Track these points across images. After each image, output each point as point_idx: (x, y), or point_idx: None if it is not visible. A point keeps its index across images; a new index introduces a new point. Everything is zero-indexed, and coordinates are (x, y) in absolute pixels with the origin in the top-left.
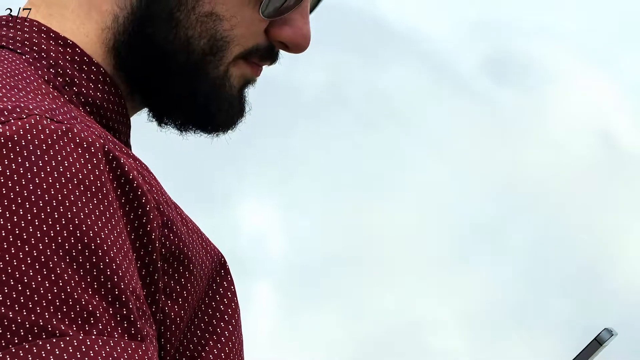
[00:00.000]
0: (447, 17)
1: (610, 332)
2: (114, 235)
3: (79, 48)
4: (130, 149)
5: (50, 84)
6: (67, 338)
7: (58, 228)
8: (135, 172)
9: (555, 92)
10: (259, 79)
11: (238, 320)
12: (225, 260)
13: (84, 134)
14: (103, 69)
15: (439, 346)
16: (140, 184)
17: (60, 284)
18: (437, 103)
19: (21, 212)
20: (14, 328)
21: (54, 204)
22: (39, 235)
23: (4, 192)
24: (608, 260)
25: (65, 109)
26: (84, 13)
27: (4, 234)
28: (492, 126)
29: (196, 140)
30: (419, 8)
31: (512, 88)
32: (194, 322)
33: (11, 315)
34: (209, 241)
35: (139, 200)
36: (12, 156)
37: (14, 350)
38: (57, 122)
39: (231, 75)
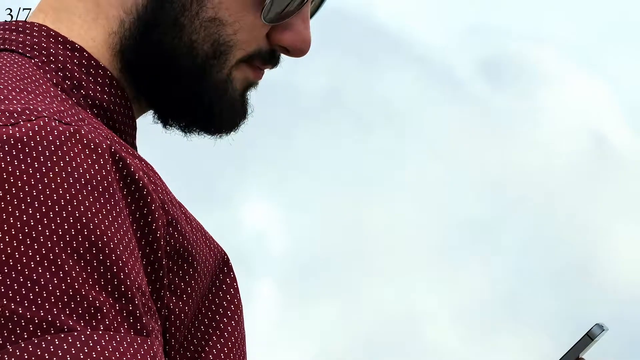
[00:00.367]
0: (442, 23)
1: (601, 328)
2: (120, 234)
3: (87, 52)
4: (136, 150)
5: (58, 87)
6: (75, 333)
7: (66, 226)
8: (141, 172)
9: (547, 95)
10: (261, 82)
11: (241, 316)
12: (228, 258)
13: (91, 135)
14: (110, 72)
15: (434, 339)
16: (146, 184)
17: (68, 281)
18: (433, 105)
19: (30, 211)
20: (23, 323)
21: (62, 203)
22: (47, 233)
23: (14, 191)
24: (599, 257)
25: (73, 111)
26: (91, 18)
27: (13, 232)
28: (486, 128)
29: (200, 141)
30: (415, 14)
31: (506, 91)
32: (198, 318)
33: (21, 311)
34: (213, 239)
35: (145, 199)
36: (21, 156)
37: (23, 345)
38: (65, 123)
39: (234, 78)
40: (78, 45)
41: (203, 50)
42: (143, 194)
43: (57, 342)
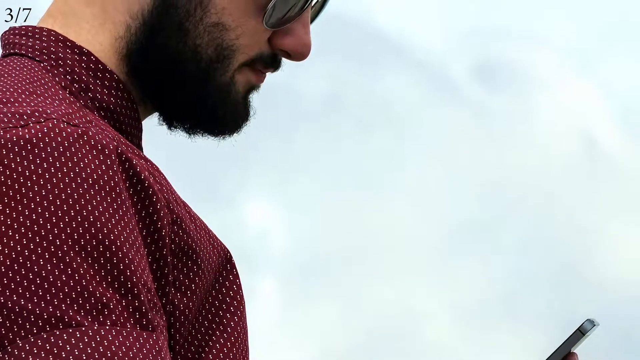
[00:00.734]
0: (441, 28)
1: (592, 323)
2: (126, 232)
3: (94, 56)
4: (142, 151)
5: (67, 90)
6: (83, 328)
7: (74, 225)
8: (146, 173)
9: (542, 97)
10: (263, 85)
11: (243, 312)
12: (231, 256)
13: (98, 136)
14: (116, 75)
15: (433, 336)
16: (152, 184)
17: (76, 278)
18: (432, 108)
19: (39, 210)
20: (32, 319)
21: (70, 202)
22: (56, 231)
23: (24, 190)
24: (591, 256)
25: (81, 113)
26: (98, 24)
27: (23, 230)
28: (482, 129)
29: (204, 143)
30: (413, 19)
31: (501, 93)
32: (201, 313)
33: (30, 307)
34: (216, 237)
35: (150, 199)
36: (31, 157)
37: (32, 339)
38: (73, 125)
39: (237, 81)
40: (86, 49)
41: (207, 55)
42: (149, 194)
43: (65, 337)
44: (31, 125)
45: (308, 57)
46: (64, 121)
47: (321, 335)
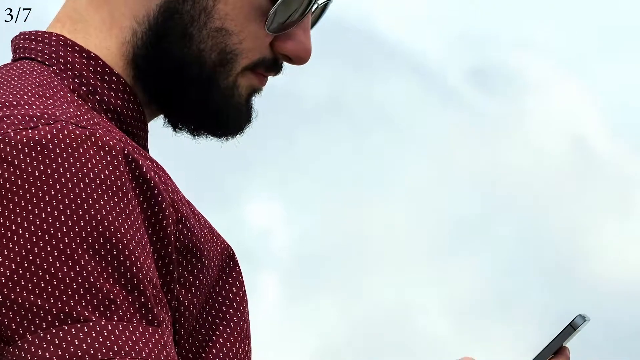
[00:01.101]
0: (435, 33)
1: (583, 318)
2: (133, 230)
3: (101, 60)
4: (148, 152)
5: (75, 93)
6: (91, 323)
7: (82, 223)
8: (152, 173)
9: (534, 100)
10: (265, 89)
11: (245, 307)
12: (234, 253)
13: (105, 138)
14: (123, 79)
15: (428, 330)
16: (157, 184)
17: (84, 274)
18: (427, 111)
19: (49, 209)
20: (42, 314)
21: (79, 201)
22: (64, 229)
23: (34, 190)
24: (581, 252)
25: (89, 115)
26: (106, 29)
27: (33, 229)
28: (476, 131)
29: (208, 144)
30: (410, 25)
31: (495, 97)
32: (205, 309)
33: (39, 303)
34: (219, 235)
35: (156, 198)
36: (40, 158)
37: (42, 334)
38: (81, 127)
39: (239, 85)
40: (93, 54)
41: (210, 59)
42: (154, 193)
43: (73, 332)
44: (41, 127)
45: (308, 61)
46: (72, 123)
47: (321, 330)
